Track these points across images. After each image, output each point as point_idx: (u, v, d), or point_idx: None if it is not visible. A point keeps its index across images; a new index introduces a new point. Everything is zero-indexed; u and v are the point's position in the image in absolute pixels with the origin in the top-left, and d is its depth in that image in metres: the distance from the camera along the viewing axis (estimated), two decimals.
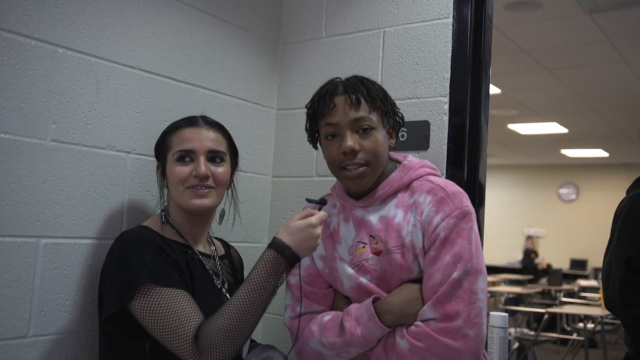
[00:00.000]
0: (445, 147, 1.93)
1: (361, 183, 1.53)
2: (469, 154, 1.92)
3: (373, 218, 1.56)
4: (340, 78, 1.59)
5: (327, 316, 1.56)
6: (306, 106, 1.59)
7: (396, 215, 1.53)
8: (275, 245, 1.42)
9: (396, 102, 2.02)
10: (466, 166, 1.92)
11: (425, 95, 1.99)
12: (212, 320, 1.38)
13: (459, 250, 1.43)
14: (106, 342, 1.51)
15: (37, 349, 1.56)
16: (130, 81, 1.80)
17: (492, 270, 10.78)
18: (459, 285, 1.41)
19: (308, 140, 1.63)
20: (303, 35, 2.30)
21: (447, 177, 1.92)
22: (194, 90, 2.02)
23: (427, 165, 1.61)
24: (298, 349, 1.60)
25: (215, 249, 1.73)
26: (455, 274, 1.41)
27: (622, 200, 2.15)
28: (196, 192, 1.56)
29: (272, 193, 2.33)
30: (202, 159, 1.57)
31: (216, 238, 1.82)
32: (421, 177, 1.57)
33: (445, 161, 1.93)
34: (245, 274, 1.80)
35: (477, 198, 1.94)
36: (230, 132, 2.14)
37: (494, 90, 6.55)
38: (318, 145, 1.64)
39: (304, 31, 2.30)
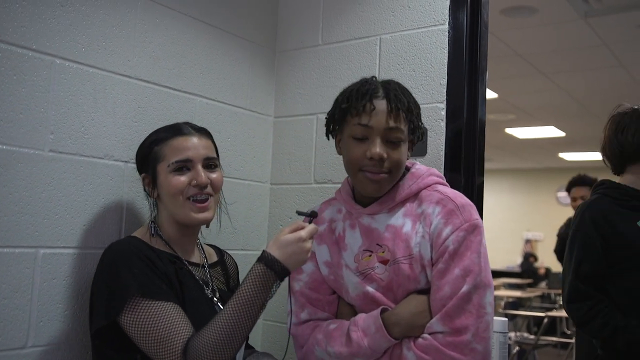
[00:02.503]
0: (442, 152, 1.94)
1: (379, 188, 1.51)
2: (466, 160, 1.93)
3: (380, 226, 1.54)
4: (375, 77, 1.56)
5: (333, 325, 1.55)
6: (339, 98, 1.54)
7: (404, 225, 1.51)
8: (265, 259, 1.41)
9: None
10: (463, 171, 1.92)
11: (422, 102, 1.98)
12: (201, 335, 1.37)
13: (469, 263, 1.42)
14: (97, 354, 1.51)
15: (35, 359, 1.56)
16: (128, 91, 1.81)
17: (492, 274, 10.75)
18: (468, 300, 1.40)
19: (327, 128, 1.58)
20: (299, 43, 2.30)
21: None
22: (191, 99, 2.02)
23: (435, 174, 1.60)
24: (302, 356, 1.59)
25: (206, 257, 1.71)
26: (464, 288, 1.41)
27: (578, 206, 2.22)
28: (197, 205, 1.55)
29: (271, 200, 2.33)
30: (199, 168, 1.56)
31: (208, 245, 1.81)
32: (429, 186, 1.55)
33: (443, 167, 1.93)
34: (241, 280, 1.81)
35: (476, 203, 1.93)
36: (228, 140, 2.16)
37: (490, 94, 6.57)
38: (330, 138, 1.61)
39: (300, 39, 2.31)
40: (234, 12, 2.20)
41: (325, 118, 1.59)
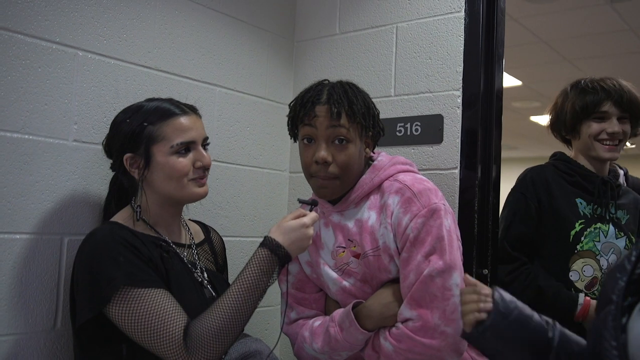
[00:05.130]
0: (459, 140, 1.95)
1: (327, 193, 1.54)
2: (482, 147, 1.93)
3: (349, 222, 1.57)
4: (327, 81, 1.59)
5: (317, 321, 1.59)
6: (289, 105, 1.59)
7: (369, 218, 1.54)
8: (269, 244, 1.42)
9: (409, 96, 2.07)
10: (480, 158, 1.93)
11: (438, 89, 2.01)
12: (203, 319, 1.35)
13: (429, 249, 1.43)
14: (80, 347, 1.46)
15: (65, 339, 1.62)
16: (148, 81, 1.85)
17: None
18: (431, 283, 1.42)
19: (289, 135, 1.62)
20: (317, 32, 2.32)
21: (461, 170, 1.93)
22: (211, 89, 2.06)
23: (398, 162, 1.60)
24: (296, 352, 1.64)
25: (192, 235, 1.66)
26: (425, 272, 1.42)
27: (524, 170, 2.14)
28: (199, 182, 1.53)
29: (290, 188, 2.36)
30: (200, 149, 1.54)
31: (193, 221, 1.76)
32: (391, 176, 1.56)
33: (459, 154, 1.94)
34: (230, 263, 1.80)
35: (492, 190, 1.95)
36: (247, 129, 2.20)
37: (515, 82, 6.50)
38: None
39: (318, 28, 2.32)
40: (253, 3, 2.22)
41: (287, 127, 1.61)
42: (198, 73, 2.01)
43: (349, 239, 1.56)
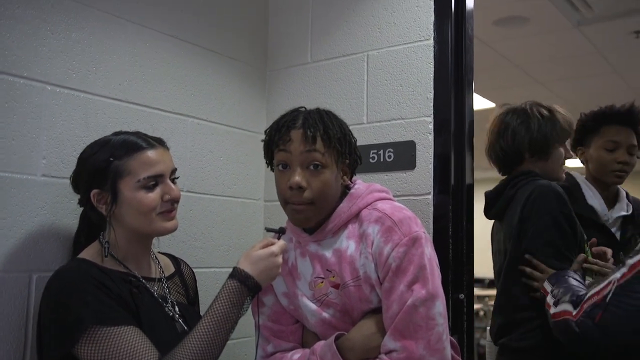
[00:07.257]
0: (431, 166, 1.96)
1: (302, 219, 1.52)
2: (455, 172, 1.95)
3: (327, 252, 1.54)
4: (304, 108, 1.58)
5: (297, 354, 1.54)
6: (265, 131, 1.58)
7: (348, 247, 1.51)
8: (238, 275, 1.40)
9: (382, 123, 2.08)
10: (453, 183, 1.94)
11: (410, 116, 2.02)
12: (174, 355, 1.33)
13: (412, 278, 1.42)
14: None
15: None
16: (119, 114, 1.84)
17: (492, 283, 10.71)
18: (415, 313, 1.40)
19: (266, 162, 1.61)
20: (289, 61, 2.34)
21: (434, 195, 1.94)
22: (183, 120, 2.05)
23: (375, 190, 1.58)
24: None
25: (162, 268, 1.64)
26: (409, 302, 1.40)
27: (535, 189, 1.92)
28: (168, 215, 1.51)
29: (265, 217, 2.35)
30: (168, 181, 1.51)
31: (163, 253, 1.74)
32: (369, 204, 1.54)
33: (432, 179, 1.95)
34: (206, 294, 1.77)
35: (466, 215, 1.96)
36: (220, 159, 2.19)
37: (488, 104, 6.60)
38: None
39: (290, 57, 2.34)
40: (224, 34, 2.23)
41: (264, 155, 1.60)
42: (170, 104, 2.01)
43: (327, 269, 1.53)
